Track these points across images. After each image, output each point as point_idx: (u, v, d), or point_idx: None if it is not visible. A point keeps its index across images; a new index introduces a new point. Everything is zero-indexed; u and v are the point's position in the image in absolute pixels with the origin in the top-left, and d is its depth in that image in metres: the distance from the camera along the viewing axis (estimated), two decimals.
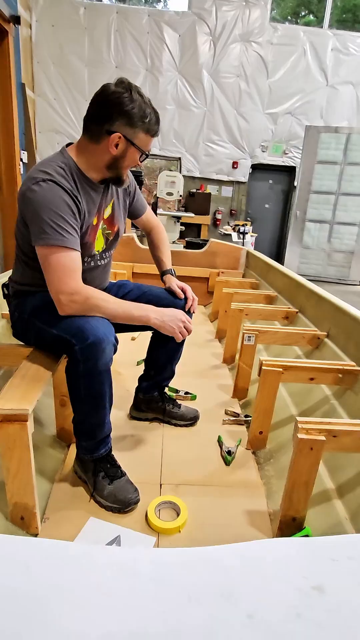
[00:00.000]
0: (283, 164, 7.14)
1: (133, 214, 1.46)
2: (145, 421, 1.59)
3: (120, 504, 1.13)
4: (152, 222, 1.54)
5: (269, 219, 7.72)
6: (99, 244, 1.25)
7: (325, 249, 6.10)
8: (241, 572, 0.41)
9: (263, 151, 7.01)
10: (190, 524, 1.12)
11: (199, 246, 5.49)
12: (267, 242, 7.59)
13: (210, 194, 7.12)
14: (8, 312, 1.67)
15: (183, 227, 5.92)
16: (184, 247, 5.56)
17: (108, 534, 1.06)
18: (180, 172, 6.85)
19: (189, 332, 1.23)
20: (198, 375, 2.06)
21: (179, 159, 6.94)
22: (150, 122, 1.09)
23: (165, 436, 1.52)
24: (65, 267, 1.04)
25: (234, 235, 5.17)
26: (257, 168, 7.22)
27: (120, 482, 1.17)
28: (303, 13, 7.75)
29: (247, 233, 5.07)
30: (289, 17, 7.33)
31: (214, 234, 7.38)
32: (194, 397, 1.80)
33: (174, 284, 1.42)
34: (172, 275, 1.49)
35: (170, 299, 1.38)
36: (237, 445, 1.46)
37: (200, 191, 7.07)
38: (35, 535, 1.04)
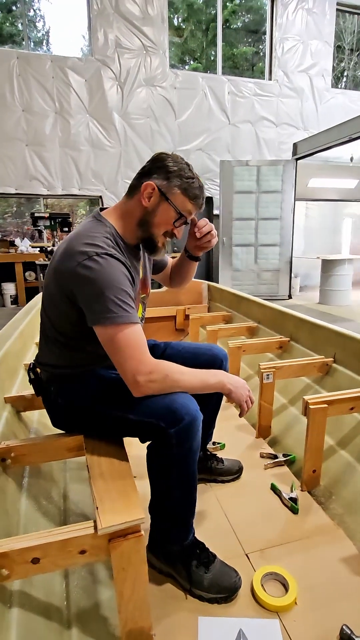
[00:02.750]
0: None
1: (159, 267, 1.40)
2: None
3: (227, 592, 1.02)
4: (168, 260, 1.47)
5: None
6: (139, 311, 1.18)
7: (254, 269, 6.52)
8: None
9: None
10: (299, 591, 1.06)
11: None
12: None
13: None
14: (12, 396, 1.48)
15: None
16: None
17: (229, 632, 0.95)
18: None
19: (250, 405, 1.10)
20: None
21: (100, 197, 6.92)
22: (191, 183, 1.05)
23: (218, 497, 1.44)
24: (135, 344, 0.94)
25: None
26: None
27: (216, 567, 1.06)
28: (187, 59, 8.51)
29: None
30: (174, 64, 7.94)
31: None
32: (222, 446, 1.74)
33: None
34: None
35: (209, 353, 1.34)
36: (294, 490, 1.44)
37: None
38: None
